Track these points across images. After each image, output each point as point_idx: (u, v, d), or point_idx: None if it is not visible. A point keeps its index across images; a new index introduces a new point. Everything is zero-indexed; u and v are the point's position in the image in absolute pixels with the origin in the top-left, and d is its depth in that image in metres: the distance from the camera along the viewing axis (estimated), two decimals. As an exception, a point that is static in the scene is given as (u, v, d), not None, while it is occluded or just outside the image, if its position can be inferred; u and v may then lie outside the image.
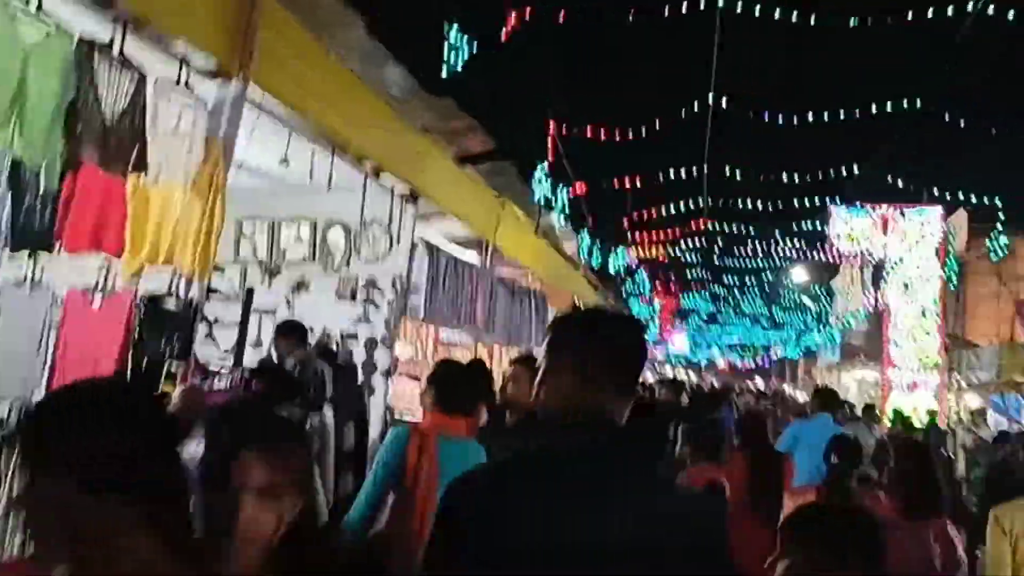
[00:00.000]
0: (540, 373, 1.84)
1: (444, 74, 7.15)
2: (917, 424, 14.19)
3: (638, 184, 14.71)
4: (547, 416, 1.80)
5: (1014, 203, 15.79)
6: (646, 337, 2.04)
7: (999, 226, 14.85)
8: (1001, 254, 14.72)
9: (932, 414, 16.45)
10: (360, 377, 6.25)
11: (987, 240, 14.24)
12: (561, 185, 11.43)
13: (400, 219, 6.67)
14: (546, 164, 10.23)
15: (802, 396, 26.69)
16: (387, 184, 6.30)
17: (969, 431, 13.71)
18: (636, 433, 1.80)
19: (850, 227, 20.40)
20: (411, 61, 6.58)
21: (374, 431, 6.11)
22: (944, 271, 19.02)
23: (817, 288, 32.03)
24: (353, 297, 6.65)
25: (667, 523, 1.66)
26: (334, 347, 6.30)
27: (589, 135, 11.89)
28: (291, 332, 5.55)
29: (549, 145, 10.79)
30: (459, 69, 7.38)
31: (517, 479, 1.71)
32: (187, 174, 3.81)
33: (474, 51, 7.51)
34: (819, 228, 20.43)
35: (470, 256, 9.10)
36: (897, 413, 15.19)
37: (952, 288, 20.25)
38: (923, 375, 19.81)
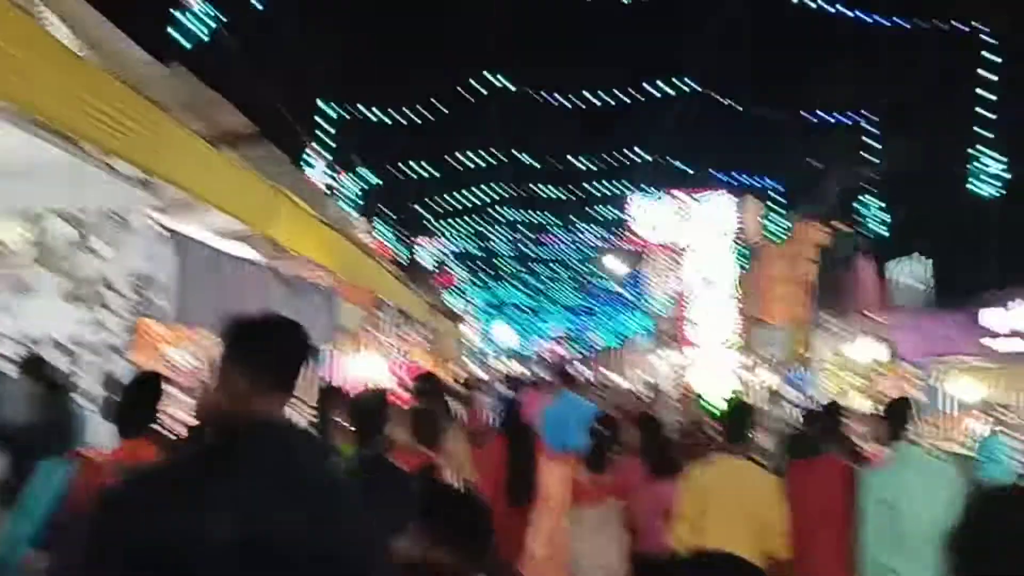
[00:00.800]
0: (214, 381, 1.91)
1: (188, 44, 6.52)
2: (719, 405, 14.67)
3: (433, 171, 14.33)
4: (213, 421, 1.91)
5: (796, 187, 16.65)
6: (307, 340, 2.08)
7: (781, 209, 15.57)
8: (782, 238, 15.48)
9: (736, 394, 17.18)
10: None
11: (766, 221, 14.90)
12: (351, 173, 10.86)
13: (137, 209, 5.92)
14: (323, 149, 9.52)
15: (625, 384, 27.35)
16: (120, 169, 5.57)
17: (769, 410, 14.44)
18: (289, 430, 1.92)
19: (648, 213, 21.12)
20: (147, 32, 5.87)
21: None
22: (732, 254, 19.83)
23: (628, 276, 33.08)
24: (83, 299, 5.84)
25: (303, 519, 1.70)
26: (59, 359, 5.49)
27: (373, 117, 11.36)
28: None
29: (328, 128, 10.19)
30: (207, 39, 6.76)
31: (148, 486, 1.76)
32: None
33: (223, 20, 6.96)
34: (620, 215, 20.86)
35: (245, 251, 8.41)
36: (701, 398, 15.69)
37: (743, 270, 21.18)
38: (722, 355, 20.66)
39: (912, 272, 14.83)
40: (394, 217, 14.62)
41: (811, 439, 5.39)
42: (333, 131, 10.31)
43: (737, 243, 20.49)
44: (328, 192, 10.38)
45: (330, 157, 9.50)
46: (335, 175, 10.36)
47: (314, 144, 9.44)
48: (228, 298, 6.97)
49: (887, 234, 15.42)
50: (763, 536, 4.38)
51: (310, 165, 9.27)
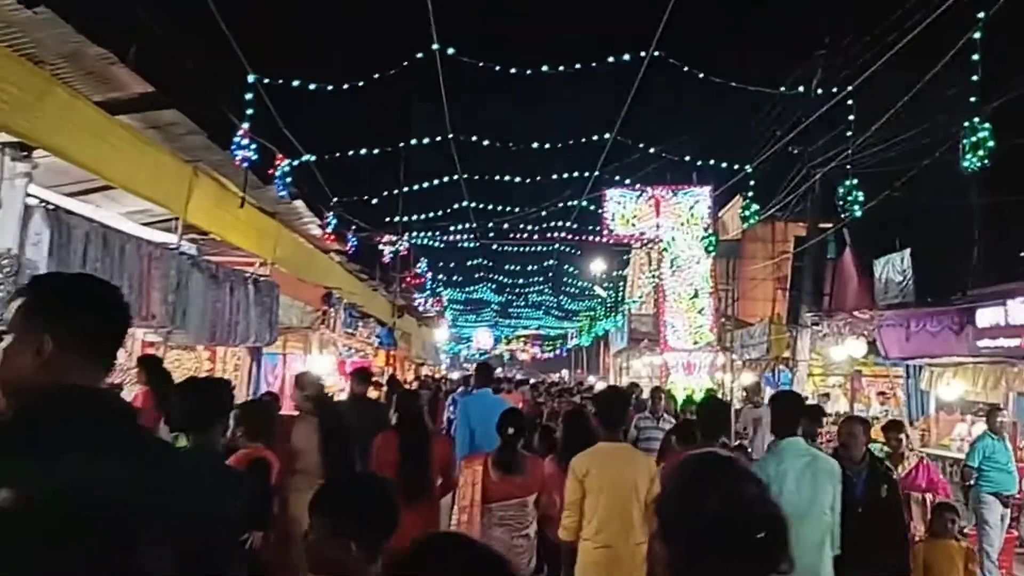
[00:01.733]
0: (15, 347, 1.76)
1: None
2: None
3: (385, 156, 13.62)
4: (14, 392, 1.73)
5: (773, 177, 16.08)
6: (126, 309, 1.89)
7: (759, 202, 15.01)
8: (752, 221, 14.93)
9: (710, 392, 16.70)
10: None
11: (746, 212, 14.31)
12: (291, 157, 10.06)
13: (7, 178, 5.10)
14: (246, 126, 8.72)
15: (601, 384, 26.84)
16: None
17: (750, 406, 13.97)
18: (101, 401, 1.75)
19: (624, 208, 20.51)
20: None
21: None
22: (704, 245, 19.36)
23: (603, 273, 32.61)
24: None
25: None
26: None
27: (307, 91, 10.56)
28: None
29: (260, 102, 9.39)
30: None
31: None
32: None
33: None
34: (592, 208, 20.28)
35: (160, 236, 7.63)
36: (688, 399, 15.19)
37: (711, 259, 20.75)
38: (698, 355, 20.20)
39: (898, 267, 14.33)
40: (346, 206, 13.87)
41: (694, 428, 5.96)
42: (270, 106, 9.50)
43: (714, 238, 19.91)
44: (268, 177, 9.51)
45: (249, 136, 8.67)
46: (274, 157, 9.49)
47: (243, 125, 8.59)
48: (123, 286, 6.12)
49: (868, 227, 14.84)
50: (645, 514, 4.71)
51: (241, 146, 8.42)
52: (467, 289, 33.18)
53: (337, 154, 13.25)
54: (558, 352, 56.37)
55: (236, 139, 8.64)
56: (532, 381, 23.27)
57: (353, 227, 14.31)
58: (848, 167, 12.23)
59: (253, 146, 8.72)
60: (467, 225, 20.49)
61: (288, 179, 9.92)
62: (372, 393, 10.63)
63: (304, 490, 4.77)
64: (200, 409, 4.00)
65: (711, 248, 19.35)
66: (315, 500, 2.48)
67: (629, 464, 5.02)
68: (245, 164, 8.59)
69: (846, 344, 14.68)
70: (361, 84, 11.03)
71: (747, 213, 14.28)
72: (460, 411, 8.21)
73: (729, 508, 1.69)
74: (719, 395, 15.37)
